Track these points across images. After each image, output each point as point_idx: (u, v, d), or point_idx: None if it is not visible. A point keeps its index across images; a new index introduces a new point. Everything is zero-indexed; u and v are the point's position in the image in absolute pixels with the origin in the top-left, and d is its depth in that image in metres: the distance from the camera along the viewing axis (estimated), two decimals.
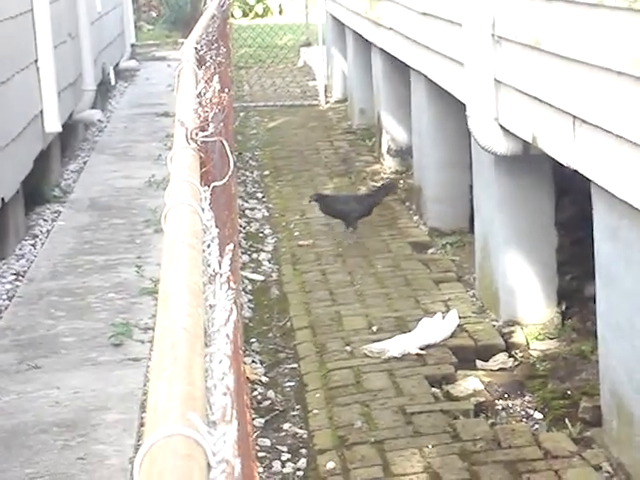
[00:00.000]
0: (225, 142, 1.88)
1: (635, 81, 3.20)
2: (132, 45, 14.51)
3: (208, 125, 1.90)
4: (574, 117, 3.78)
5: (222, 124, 2.51)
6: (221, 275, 1.25)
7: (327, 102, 11.45)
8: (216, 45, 3.85)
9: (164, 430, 0.79)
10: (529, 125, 4.35)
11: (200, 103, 2.10)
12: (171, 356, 0.94)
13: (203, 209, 1.57)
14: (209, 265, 1.48)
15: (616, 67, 3.32)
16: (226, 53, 5.40)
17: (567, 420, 4.02)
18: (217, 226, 1.91)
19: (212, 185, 1.80)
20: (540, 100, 4.14)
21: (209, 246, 1.47)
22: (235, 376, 1.99)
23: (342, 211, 6.59)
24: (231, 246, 1.40)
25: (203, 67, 2.94)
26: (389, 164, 8.36)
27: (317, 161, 8.90)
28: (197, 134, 1.89)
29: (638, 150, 3.22)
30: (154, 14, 19.48)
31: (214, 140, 1.84)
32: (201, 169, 1.86)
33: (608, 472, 3.63)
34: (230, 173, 1.91)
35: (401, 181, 7.92)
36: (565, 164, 3.95)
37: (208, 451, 0.80)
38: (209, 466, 0.81)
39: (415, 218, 6.97)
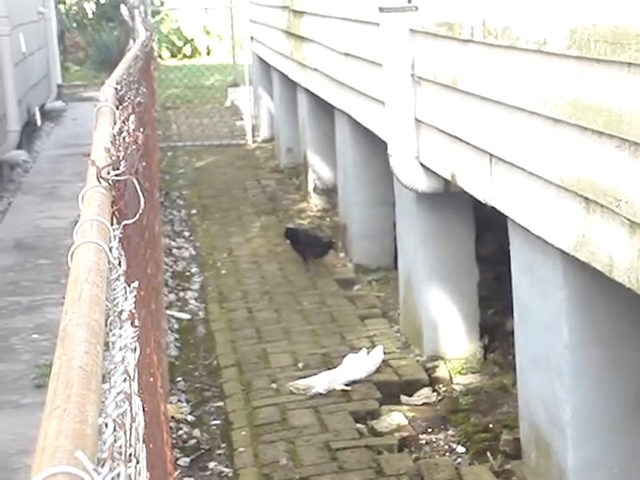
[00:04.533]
0: (136, 181, 1.89)
1: (545, 121, 3.29)
2: (58, 86, 14.42)
3: (120, 164, 1.92)
4: (491, 155, 3.87)
5: (140, 163, 2.52)
6: (123, 313, 1.26)
7: (254, 141, 11.50)
8: (137, 85, 3.87)
9: (49, 470, 0.80)
10: (448, 163, 4.43)
11: (112, 142, 2.11)
12: (64, 394, 0.95)
13: (111, 247, 1.58)
14: (116, 304, 1.49)
15: (528, 107, 3.42)
16: (149, 93, 5.41)
17: (489, 453, 4.07)
18: (130, 264, 1.92)
19: (123, 223, 1.82)
20: (458, 139, 4.23)
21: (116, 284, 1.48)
22: (149, 415, 1.98)
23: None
24: (136, 284, 1.41)
25: (121, 107, 2.96)
26: (316, 202, 8.42)
27: (244, 199, 8.93)
28: (109, 173, 1.90)
29: (549, 187, 3.31)
30: (81, 55, 19.39)
31: (125, 179, 1.86)
32: (113, 208, 1.87)
33: None
34: (140, 211, 1.92)
35: (327, 219, 7.99)
36: (483, 201, 4.03)
37: None
38: None
39: (341, 255, 7.02)
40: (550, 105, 3.23)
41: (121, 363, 1.09)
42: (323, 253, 6.80)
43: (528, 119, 3.44)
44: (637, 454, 3.43)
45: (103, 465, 0.86)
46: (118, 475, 0.88)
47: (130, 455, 1.04)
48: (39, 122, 12.00)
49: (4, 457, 4.20)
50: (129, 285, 1.61)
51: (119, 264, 1.61)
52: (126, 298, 1.40)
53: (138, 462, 1.16)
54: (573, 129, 3.08)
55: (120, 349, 1.15)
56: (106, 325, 1.33)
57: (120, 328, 1.23)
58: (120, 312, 1.35)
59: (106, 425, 0.93)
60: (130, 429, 1.06)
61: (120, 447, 0.94)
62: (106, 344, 1.27)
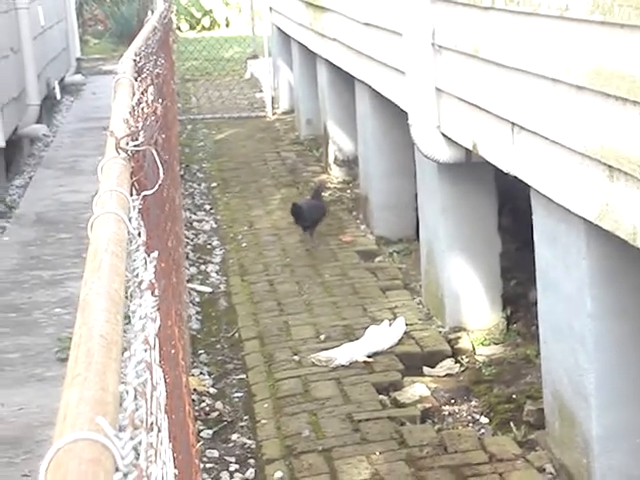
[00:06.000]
0: (155, 151, 1.88)
1: (568, 88, 3.25)
2: (78, 59, 14.40)
3: (138, 135, 1.90)
4: (513, 124, 3.83)
5: (159, 134, 2.50)
6: (143, 282, 1.25)
7: (274, 113, 11.46)
8: (155, 57, 3.85)
9: (71, 435, 0.80)
10: (470, 133, 4.39)
11: (131, 113, 2.10)
12: (85, 362, 0.95)
13: (130, 218, 1.56)
14: (136, 274, 1.48)
15: (551, 74, 3.37)
16: (168, 65, 5.39)
17: (512, 423, 4.06)
18: (150, 235, 1.91)
19: (142, 194, 1.80)
20: (480, 108, 4.18)
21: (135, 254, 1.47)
22: (171, 386, 1.98)
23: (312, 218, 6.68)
24: (156, 254, 1.40)
25: (139, 79, 2.94)
26: (336, 174, 8.39)
27: (265, 172, 8.91)
28: (127, 144, 1.89)
29: (573, 155, 3.27)
30: (100, 28, 19.35)
31: (144, 149, 1.84)
32: (132, 178, 1.86)
33: (551, 473, 3.67)
34: (160, 182, 1.91)
35: (348, 190, 7.96)
36: (505, 170, 4.00)
37: (116, 455, 0.81)
38: (117, 470, 0.81)
39: (362, 227, 7.00)
40: (573, 72, 3.18)
41: (141, 332, 1.08)
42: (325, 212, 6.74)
43: (551, 86, 3.40)
44: None
45: (125, 432, 0.85)
46: (140, 442, 0.88)
47: (151, 423, 1.03)
48: (59, 96, 12.01)
49: (29, 429, 4.22)
50: (149, 255, 1.60)
51: (139, 234, 1.60)
52: (146, 268, 1.39)
53: (160, 430, 1.15)
54: (597, 96, 3.04)
55: (140, 318, 1.14)
56: (126, 296, 1.32)
57: (140, 297, 1.22)
58: (140, 282, 1.34)
59: (127, 393, 0.92)
60: (151, 398, 1.05)
61: (141, 415, 0.93)
62: (126, 316, 1.26)
